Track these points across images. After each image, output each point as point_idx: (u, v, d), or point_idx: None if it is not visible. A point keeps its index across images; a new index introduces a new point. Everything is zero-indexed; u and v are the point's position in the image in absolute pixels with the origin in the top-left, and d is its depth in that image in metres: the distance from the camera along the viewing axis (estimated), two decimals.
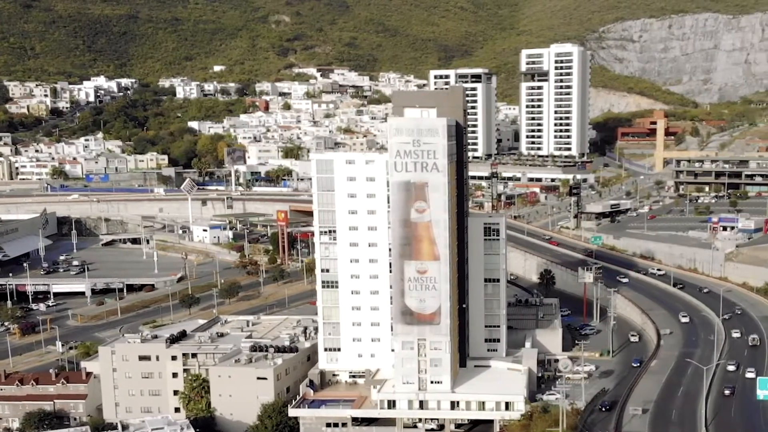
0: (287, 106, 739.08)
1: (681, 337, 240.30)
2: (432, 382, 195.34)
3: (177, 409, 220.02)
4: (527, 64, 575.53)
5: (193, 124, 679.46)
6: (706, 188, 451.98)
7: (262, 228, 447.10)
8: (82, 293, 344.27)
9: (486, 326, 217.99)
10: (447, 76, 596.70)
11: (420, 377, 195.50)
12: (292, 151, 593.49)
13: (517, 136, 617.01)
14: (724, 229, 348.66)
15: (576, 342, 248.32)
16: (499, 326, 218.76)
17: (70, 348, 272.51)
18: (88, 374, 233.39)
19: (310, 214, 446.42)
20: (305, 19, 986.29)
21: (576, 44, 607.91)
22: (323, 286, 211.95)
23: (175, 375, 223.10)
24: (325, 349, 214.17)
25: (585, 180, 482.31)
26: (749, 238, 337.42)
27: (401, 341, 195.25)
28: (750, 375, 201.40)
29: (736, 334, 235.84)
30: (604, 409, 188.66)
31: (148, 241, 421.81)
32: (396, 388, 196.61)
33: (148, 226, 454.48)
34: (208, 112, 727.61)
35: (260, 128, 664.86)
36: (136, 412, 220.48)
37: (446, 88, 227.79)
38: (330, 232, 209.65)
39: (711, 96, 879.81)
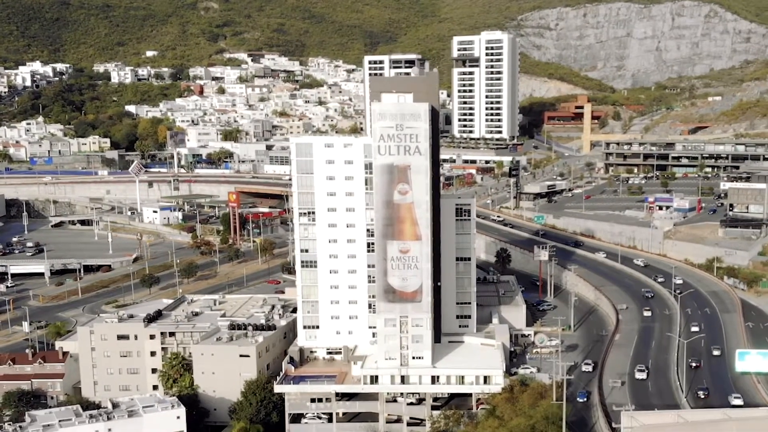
0: (221, 90, 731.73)
1: (637, 311, 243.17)
2: (413, 358, 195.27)
3: (155, 387, 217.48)
4: (459, 50, 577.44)
5: (131, 108, 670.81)
6: (635, 170, 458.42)
7: (209, 209, 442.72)
8: (40, 274, 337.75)
9: (457, 303, 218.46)
10: (381, 62, 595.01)
11: (402, 353, 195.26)
12: (231, 134, 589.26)
13: (447, 120, 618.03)
14: (660, 208, 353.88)
15: (535, 318, 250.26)
16: (469, 303, 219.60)
17: (37, 328, 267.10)
18: (65, 354, 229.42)
19: (255, 195, 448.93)
20: (233, 6, 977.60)
21: (506, 32, 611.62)
22: (302, 266, 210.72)
23: (153, 353, 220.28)
24: (304, 327, 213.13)
25: (518, 162, 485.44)
26: (684, 217, 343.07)
27: (384, 318, 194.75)
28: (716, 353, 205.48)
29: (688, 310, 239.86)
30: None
31: (97, 223, 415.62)
32: (379, 363, 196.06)
33: (96, 208, 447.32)
34: (144, 96, 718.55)
35: (197, 112, 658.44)
36: (114, 390, 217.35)
37: (422, 74, 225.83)
38: (309, 213, 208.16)
39: (625, 82, 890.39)
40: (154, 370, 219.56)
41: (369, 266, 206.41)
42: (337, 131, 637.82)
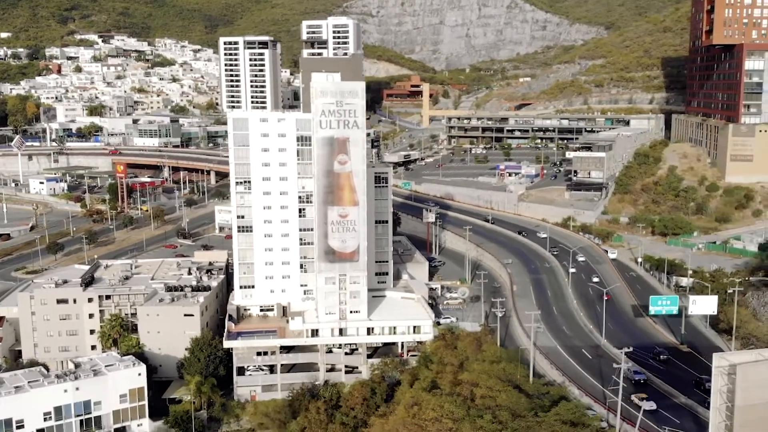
0: (78, 69, 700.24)
1: (521, 265, 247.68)
2: (351, 312, 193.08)
3: (93, 347, 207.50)
4: (308, 33, 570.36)
5: None
6: (475, 141, 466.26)
7: (90, 180, 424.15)
8: None
9: (376, 261, 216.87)
10: (236, 43, 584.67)
11: (341, 308, 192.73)
12: (96, 110, 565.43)
13: (296, 96, 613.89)
14: (510, 174, 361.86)
15: (431, 274, 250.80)
16: (387, 261, 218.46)
17: None
18: (0, 318, 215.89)
19: (132, 166, 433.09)
20: None
21: (350, 17, 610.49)
22: (239, 231, 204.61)
23: (91, 316, 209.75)
24: (241, 287, 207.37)
25: (369, 134, 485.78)
26: (531, 182, 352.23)
27: (324, 277, 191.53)
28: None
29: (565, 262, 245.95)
30: None
31: None
32: (320, 318, 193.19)
33: None
34: (3, 75, 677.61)
35: (59, 89, 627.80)
36: (54, 351, 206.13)
37: (346, 56, 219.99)
38: (245, 182, 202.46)
39: (440, 64, 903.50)
40: (92, 332, 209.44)
41: (301, 230, 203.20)
42: (194, 106, 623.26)
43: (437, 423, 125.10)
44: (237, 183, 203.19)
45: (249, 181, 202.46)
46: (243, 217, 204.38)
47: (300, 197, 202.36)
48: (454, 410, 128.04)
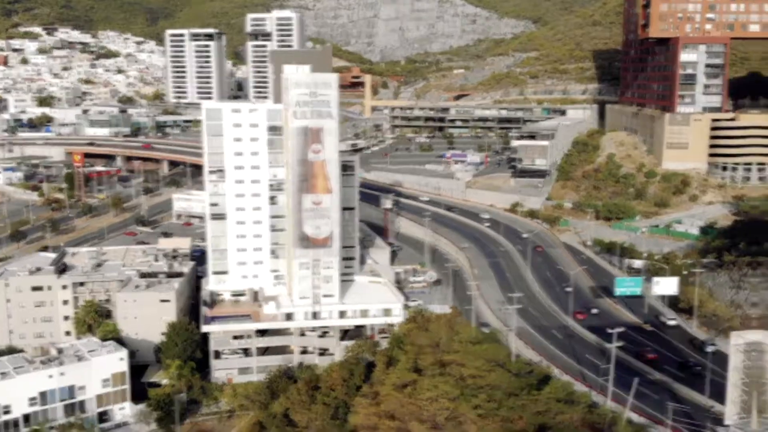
0: (25, 61, 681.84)
1: (477, 249, 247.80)
2: (324, 296, 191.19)
3: (67, 333, 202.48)
4: (252, 25, 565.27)
5: None
6: (418, 130, 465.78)
7: (44, 169, 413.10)
8: None
9: (344, 247, 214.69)
10: (182, 35, 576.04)
11: (314, 292, 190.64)
12: (46, 100, 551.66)
13: (239, 87, 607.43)
14: (456, 162, 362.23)
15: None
16: (354, 247, 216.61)
17: None
18: None
19: (85, 155, 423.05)
20: None
21: (294, 10, 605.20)
22: (212, 218, 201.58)
23: (65, 302, 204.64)
24: (214, 273, 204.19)
25: None
26: (477, 170, 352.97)
27: (299, 263, 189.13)
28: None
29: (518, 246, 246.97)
30: None
31: None
32: (294, 302, 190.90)
33: None
34: None
35: (7, 81, 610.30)
36: (29, 338, 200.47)
37: (317, 48, 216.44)
38: (218, 171, 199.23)
39: (375, 56, 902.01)
40: (66, 318, 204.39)
41: (272, 217, 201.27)
42: (141, 96, 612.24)
43: (435, 403, 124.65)
44: (210, 171, 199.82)
45: (222, 170, 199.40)
46: (216, 204, 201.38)
47: (271, 185, 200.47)
48: (449, 390, 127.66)
